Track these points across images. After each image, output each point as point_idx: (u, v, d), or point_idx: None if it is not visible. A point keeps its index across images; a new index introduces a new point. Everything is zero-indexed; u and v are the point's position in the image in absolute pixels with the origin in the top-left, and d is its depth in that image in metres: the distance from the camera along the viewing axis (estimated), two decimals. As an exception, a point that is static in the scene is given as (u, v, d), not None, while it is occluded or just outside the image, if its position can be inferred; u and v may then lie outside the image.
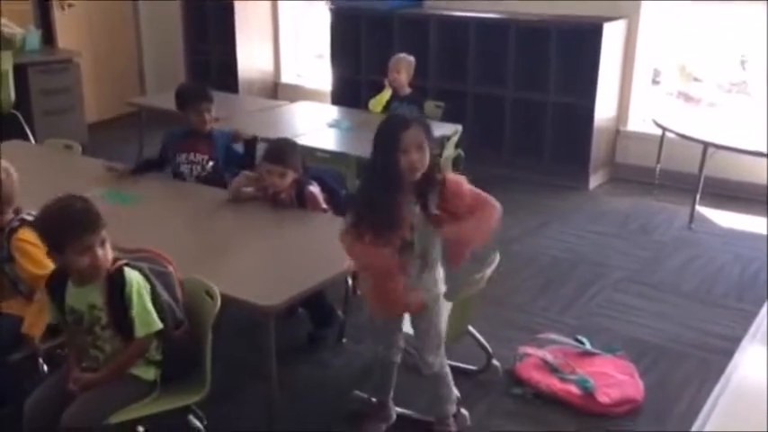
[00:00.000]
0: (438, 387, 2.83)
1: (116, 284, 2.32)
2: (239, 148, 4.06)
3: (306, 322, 3.59)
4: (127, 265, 2.36)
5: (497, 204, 2.54)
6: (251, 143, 4.06)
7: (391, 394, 2.94)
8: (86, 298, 2.36)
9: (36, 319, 2.62)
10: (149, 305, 2.34)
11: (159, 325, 2.36)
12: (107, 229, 2.33)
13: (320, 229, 3.26)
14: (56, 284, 2.41)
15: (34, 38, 6.68)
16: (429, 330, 2.72)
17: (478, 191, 2.56)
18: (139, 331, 2.34)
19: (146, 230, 2.96)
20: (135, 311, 2.32)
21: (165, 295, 2.41)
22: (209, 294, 2.47)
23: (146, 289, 2.35)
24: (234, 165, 3.87)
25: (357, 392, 3.12)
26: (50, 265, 2.65)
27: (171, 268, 2.49)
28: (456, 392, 2.87)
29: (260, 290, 2.64)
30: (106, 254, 2.32)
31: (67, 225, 2.27)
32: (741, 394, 1.66)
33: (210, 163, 3.84)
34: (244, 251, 3.06)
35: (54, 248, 2.33)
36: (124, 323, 2.34)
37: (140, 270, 2.37)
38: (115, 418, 2.34)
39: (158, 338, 2.41)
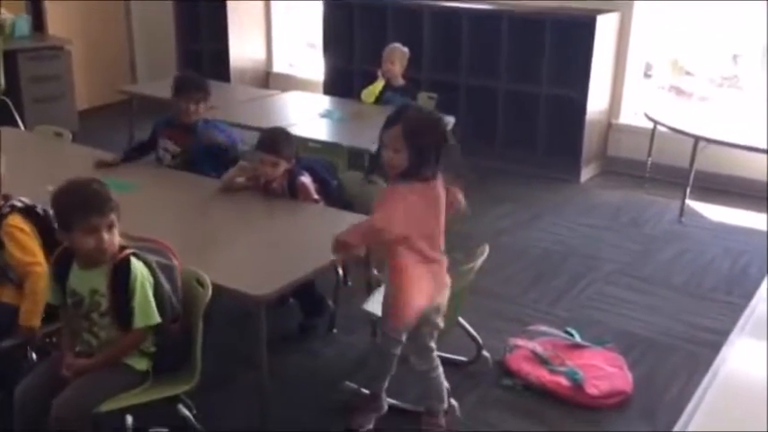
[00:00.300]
0: (428, 386, 2.84)
1: (121, 272, 2.33)
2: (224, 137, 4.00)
3: (297, 312, 3.59)
4: (134, 254, 2.37)
5: (381, 226, 2.54)
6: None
7: (385, 385, 2.94)
8: (90, 282, 2.36)
9: (33, 306, 2.61)
10: (151, 297, 2.35)
11: (158, 318, 2.36)
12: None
13: (311, 219, 3.26)
14: (61, 264, 2.41)
15: (24, 24, 6.63)
16: (414, 335, 2.73)
17: (386, 206, 2.55)
18: (138, 322, 2.35)
19: (137, 219, 2.93)
20: (136, 302, 2.33)
21: (166, 288, 2.41)
22: (200, 283, 2.47)
23: (149, 281, 2.36)
24: (217, 161, 3.82)
25: (348, 383, 3.12)
26: (39, 253, 2.66)
27: (175, 261, 2.49)
28: (446, 384, 2.88)
29: (251, 279, 2.63)
30: (113, 239, 2.33)
31: (77, 204, 2.30)
32: (729, 386, 1.66)
33: (184, 155, 3.81)
34: (235, 241, 3.05)
35: (62, 226, 2.35)
36: (123, 312, 2.34)
37: (146, 261, 2.38)
38: (105, 407, 2.34)
39: (154, 331, 2.42)
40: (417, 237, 2.58)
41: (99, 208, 2.29)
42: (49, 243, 2.68)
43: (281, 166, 3.32)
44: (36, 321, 2.62)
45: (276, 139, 3.37)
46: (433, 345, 2.75)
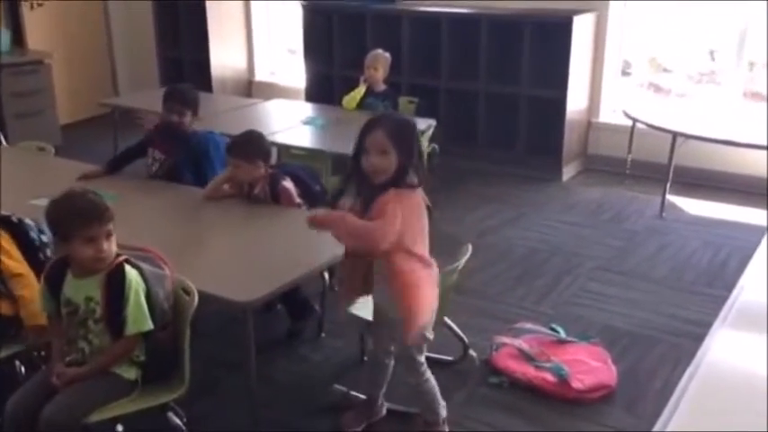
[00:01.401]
0: (419, 399, 2.80)
1: (116, 280, 2.36)
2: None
3: (284, 318, 3.61)
4: (127, 261, 2.39)
5: (381, 235, 2.41)
6: None
7: (383, 390, 2.94)
8: (85, 290, 2.38)
9: (32, 305, 2.60)
10: (144, 304, 2.38)
11: (150, 325, 2.38)
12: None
13: (295, 223, 3.26)
14: (54, 275, 2.43)
15: (4, 39, 6.60)
16: (402, 348, 2.69)
17: (388, 215, 2.41)
18: (130, 329, 2.37)
19: (122, 229, 2.95)
20: (130, 309, 2.35)
21: (158, 296, 2.43)
22: (186, 291, 2.49)
23: (142, 288, 2.38)
24: (199, 171, 3.83)
25: (337, 386, 3.15)
26: (21, 259, 2.67)
27: (167, 270, 2.51)
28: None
29: (237, 285, 2.65)
30: (111, 247, 2.36)
31: (75, 214, 2.32)
32: (712, 377, 1.68)
33: (168, 163, 3.80)
34: (220, 247, 3.07)
35: (61, 237, 2.37)
36: (117, 319, 2.36)
37: (138, 268, 2.41)
38: (95, 416, 2.35)
39: (144, 339, 2.43)
40: (414, 242, 2.49)
41: (98, 217, 2.33)
42: (23, 251, 2.70)
43: (243, 168, 3.32)
44: (42, 319, 2.60)
45: (238, 142, 3.38)
46: (421, 359, 2.71)
